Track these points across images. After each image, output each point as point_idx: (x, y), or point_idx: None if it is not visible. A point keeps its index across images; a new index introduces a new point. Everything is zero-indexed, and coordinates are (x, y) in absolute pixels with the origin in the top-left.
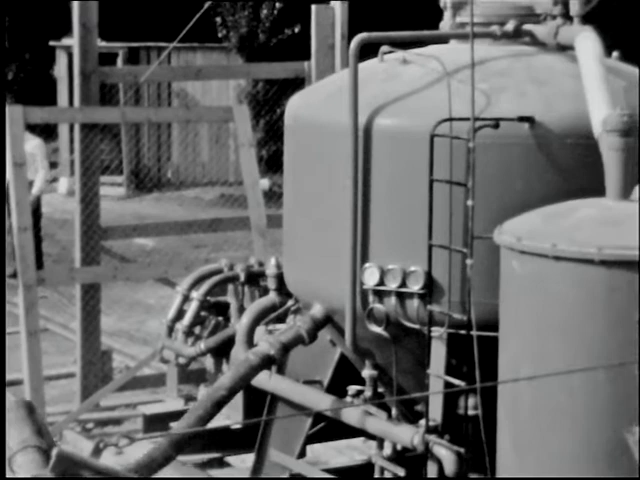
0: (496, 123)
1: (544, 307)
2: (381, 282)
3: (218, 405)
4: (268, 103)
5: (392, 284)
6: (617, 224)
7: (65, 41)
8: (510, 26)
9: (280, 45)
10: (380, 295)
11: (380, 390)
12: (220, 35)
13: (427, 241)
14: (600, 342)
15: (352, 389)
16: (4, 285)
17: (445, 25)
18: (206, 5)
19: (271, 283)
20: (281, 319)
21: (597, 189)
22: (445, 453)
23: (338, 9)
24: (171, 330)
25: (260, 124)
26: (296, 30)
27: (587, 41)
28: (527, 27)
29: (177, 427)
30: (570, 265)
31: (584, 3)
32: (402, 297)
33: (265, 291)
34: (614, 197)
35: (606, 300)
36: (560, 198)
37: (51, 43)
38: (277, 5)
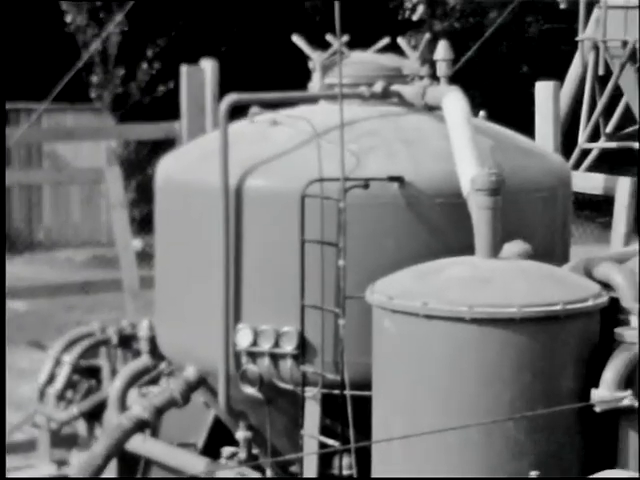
0: (366, 183)
1: (416, 365)
2: (254, 343)
3: (94, 475)
4: (140, 163)
5: (265, 345)
6: (487, 282)
7: None
8: (378, 87)
9: (154, 103)
10: (253, 356)
11: (255, 451)
12: (93, 95)
13: (299, 301)
14: (472, 400)
15: (226, 451)
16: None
17: (314, 86)
18: (78, 66)
19: (144, 346)
20: (154, 382)
21: (467, 247)
22: None
23: (208, 70)
24: (43, 394)
25: (132, 184)
26: (170, 86)
27: (454, 101)
28: (395, 88)
29: None
30: (441, 323)
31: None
32: (275, 358)
33: (138, 354)
34: (483, 255)
35: (477, 358)
36: (430, 257)
37: None
38: (151, 65)
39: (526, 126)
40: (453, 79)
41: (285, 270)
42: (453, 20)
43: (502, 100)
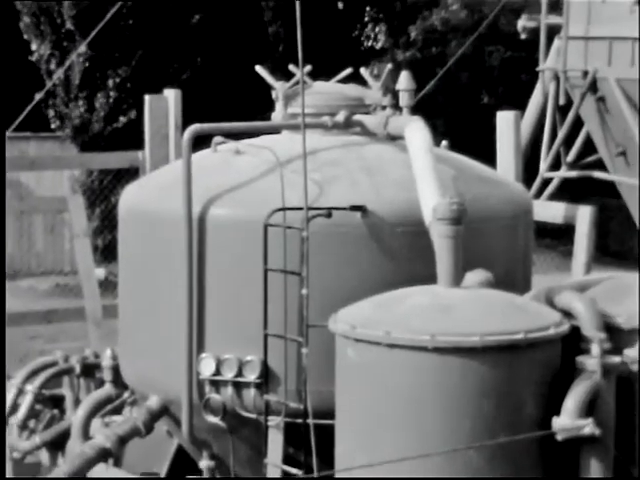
0: (329, 212)
1: (379, 394)
2: (217, 372)
3: None
4: (103, 192)
5: (228, 374)
6: (449, 311)
7: None
8: (341, 117)
9: (115, 133)
10: (216, 385)
11: None
12: (54, 126)
13: (262, 330)
14: (434, 428)
15: None
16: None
17: (277, 116)
18: (38, 97)
19: (107, 375)
20: (117, 411)
21: (429, 276)
22: None
23: (172, 99)
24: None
25: (95, 213)
26: (132, 116)
27: (416, 131)
28: (358, 117)
29: None
30: (404, 352)
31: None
32: (238, 387)
33: (101, 383)
34: (445, 284)
35: (439, 386)
36: (393, 285)
37: None
38: (112, 94)
39: (488, 155)
40: (415, 109)
41: (248, 299)
42: (415, 50)
43: (464, 129)
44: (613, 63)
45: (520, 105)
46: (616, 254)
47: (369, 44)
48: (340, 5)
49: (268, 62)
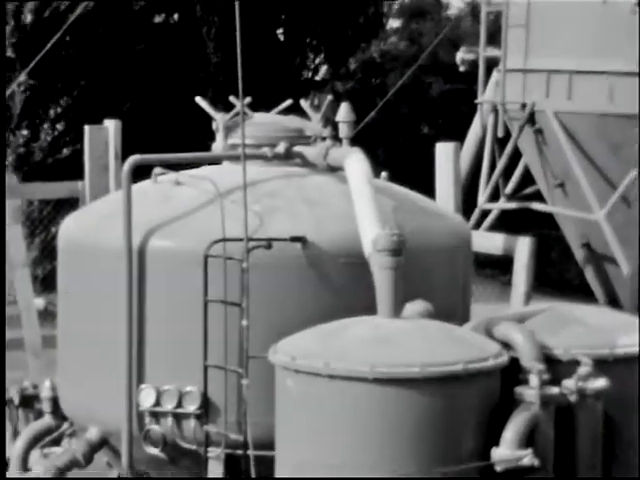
0: (269, 244)
1: (319, 425)
2: (157, 403)
3: None
4: (43, 222)
5: (168, 405)
6: (388, 342)
7: None
8: (281, 148)
9: (57, 164)
10: (156, 416)
11: None
12: None
13: (203, 361)
14: (374, 459)
15: None
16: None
17: (217, 147)
18: None
19: (46, 406)
20: (56, 442)
21: (369, 307)
22: None
23: (112, 129)
24: None
25: (35, 243)
26: (73, 148)
27: (356, 162)
28: (298, 149)
29: None
30: (343, 383)
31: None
32: (178, 418)
33: (40, 414)
34: (385, 315)
35: (379, 417)
36: (333, 316)
37: None
38: (57, 126)
39: (427, 186)
40: (355, 140)
41: (188, 330)
42: (355, 81)
43: (404, 160)
44: (551, 96)
45: (460, 136)
46: (555, 284)
47: (309, 75)
48: (281, 36)
49: (209, 93)
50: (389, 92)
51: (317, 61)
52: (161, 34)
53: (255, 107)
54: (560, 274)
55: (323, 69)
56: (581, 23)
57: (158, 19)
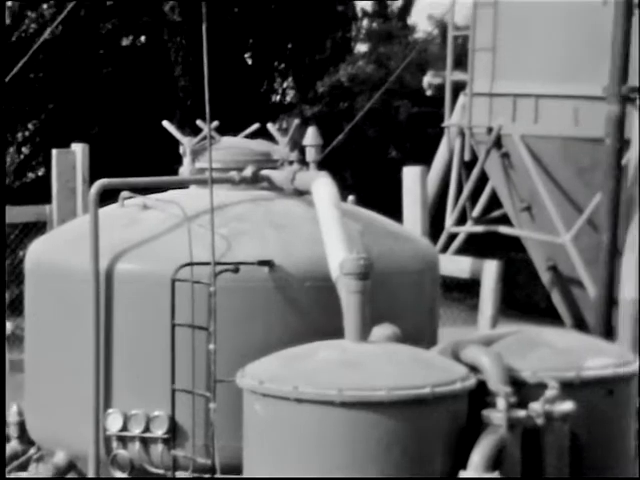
0: (236, 267)
1: (287, 449)
2: (124, 428)
3: None
4: (10, 246)
5: (135, 429)
6: (356, 366)
7: None
8: (248, 172)
9: (24, 187)
10: (124, 441)
11: None
12: None
13: (170, 385)
14: None
15: None
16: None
17: (185, 170)
18: None
19: (13, 431)
20: (23, 467)
21: (336, 330)
22: None
23: (79, 153)
24: None
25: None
26: (41, 172)
27: (323, 186)
28: (265, 172)
29: None
30: (311, 407)
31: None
32: (146, 442)
33: (7, 439)
34: (353, 339)
35: (347, 441)
36: (301, 340)
37: None
38: (23, 150)
39: (395, 210)
40: (323, 163)
41: (156, 354)
42: (323, 104)
43: (372, 184)
44: (517, 119)
45: (427, 159)
46: (523, 307)
47: (277, 99)
48: (249, 60)
49: (177, 116)
50: (357, 116)
51: (285, 85)
52: (128, 57)
53: (223, 131)
54: (527, 297)
55: (291, 93)
56: (547, 47)
57: (125, 42)
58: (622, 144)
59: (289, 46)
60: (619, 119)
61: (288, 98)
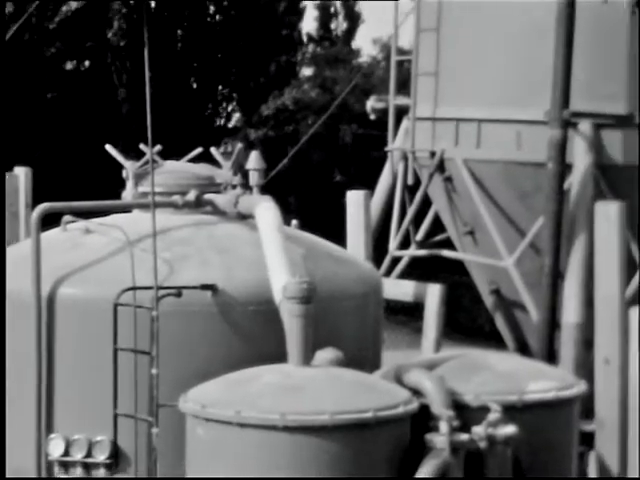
0: (179, 292)
1: (230, 473)
2: (66, 453)
3: None
4: None
5: (78, 454)
6: (299, 390)
7: None
8: (191, 196)
9: None
10: (66, 466)
11: None
12: None
13: (113, 410)
14: None
15: None
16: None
17: (127, 194)
18: None
19: None
20: None
21: (280, 355)
22: None
23: (22, 177)
24: None
25: None
26: None
27: (266, 210)
28: (208, 196)
29: None
30: (254, 431)
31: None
32: (88, 467)
33: None
34: (296, 363)
35: (290, 465)
36: (244, 364)
37: None
38: None
39: (339, 234)
40: (267, 187)
41: (98, 379)
42: (268, 128)
43: (316, 208)
44: (460, 143)
45: (373, 183)
46: (467, 330)
47: (222, 123)
48: (193, 84)
49: (121, 140)
50: (302, 139)
51: (229, 108)
52: (72, 81)
53: (166, 155)
54: (472, 320)
55: (236, 116)
56: (489, 72)
57: (69, 66)
58: (564, 168)
59: (233, 70)
60: (561, 143)
61: (233, 121)
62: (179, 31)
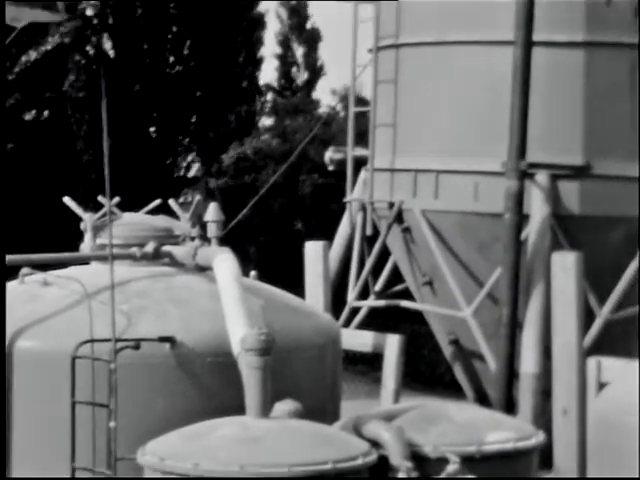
0: (137, 344)
1: None
2: None
3: None
4: None
5: None
6: (257, 442)
7: None
8: (149, 247)
9: None
10: None
11: None
12: None
13: (71, 463)
14: None
15: None
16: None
17: (86, 247)
18: None
19: None
20: None
21: (238, 407)
22: None
23: None
24: None
25: None
26: None
27: (224, 262)
28: (166, 248)
29: None
30: None
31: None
32: None
33: None
34: (254, 415)
35: None
36: (203, 416)
37: None
38: None
39: (298, 284)
40: (227, 237)
41: (56, 432)
42: (228, 177)
43: (276, 258)
44: (418, 195)
45: (333, 232)
46: (427, 380)
47: (182, 173)
48: (153, 134)
49: (80, 192)
50: (262, 189)
51: (189, 158)
52: (31, 131)
53: (125, 206)
54: (432, 370)
55: (195, 166)
56: (447, 123)
57: (28, 116)
58: (521, 219)
59: (193, 120)
60: (518, 194)
61: (192, 171)
62: (137, 84)
